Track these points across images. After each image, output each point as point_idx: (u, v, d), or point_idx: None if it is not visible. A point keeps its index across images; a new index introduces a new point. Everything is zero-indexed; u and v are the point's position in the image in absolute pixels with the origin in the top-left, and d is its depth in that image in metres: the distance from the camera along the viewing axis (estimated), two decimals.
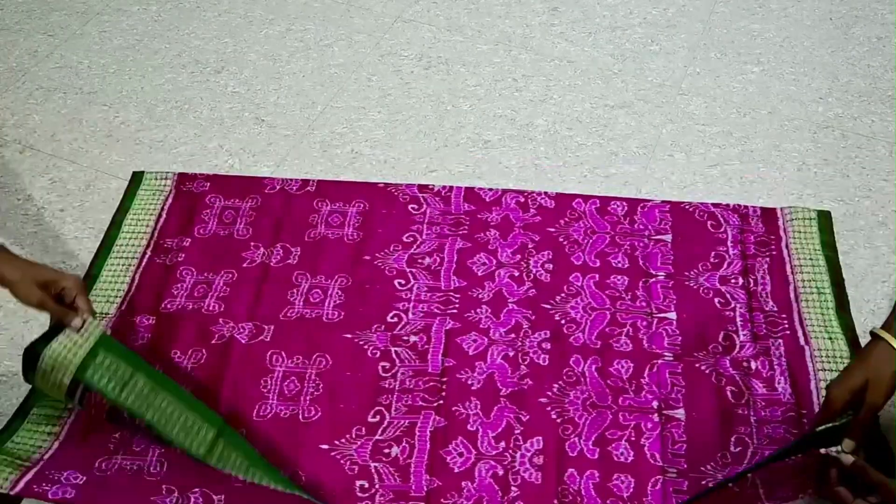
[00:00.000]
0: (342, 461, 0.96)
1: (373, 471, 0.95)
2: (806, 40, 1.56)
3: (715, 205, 1.21)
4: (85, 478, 0.92)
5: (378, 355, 1.06)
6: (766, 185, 1.30)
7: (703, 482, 0.93)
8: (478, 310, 1.11)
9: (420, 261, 1.17)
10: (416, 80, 1.50)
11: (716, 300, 1.11)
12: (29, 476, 0.92)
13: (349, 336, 1.08)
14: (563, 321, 1.09)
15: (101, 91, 1.47)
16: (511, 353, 1.06)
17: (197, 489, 0.92)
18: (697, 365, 1.04)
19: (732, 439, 0.97)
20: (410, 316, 1.11)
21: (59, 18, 1.62)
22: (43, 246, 1.23)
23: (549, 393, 1.02)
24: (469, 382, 1.03)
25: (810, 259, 1.15)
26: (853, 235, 1.23)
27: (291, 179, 1.26)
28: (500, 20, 1.62)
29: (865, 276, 1.18)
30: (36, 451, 0.96)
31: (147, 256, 1.16)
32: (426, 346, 1.07)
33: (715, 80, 1.49)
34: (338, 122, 1.43)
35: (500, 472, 0.95)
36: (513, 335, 1.08)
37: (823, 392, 0.97)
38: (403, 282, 1.14)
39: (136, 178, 1.25)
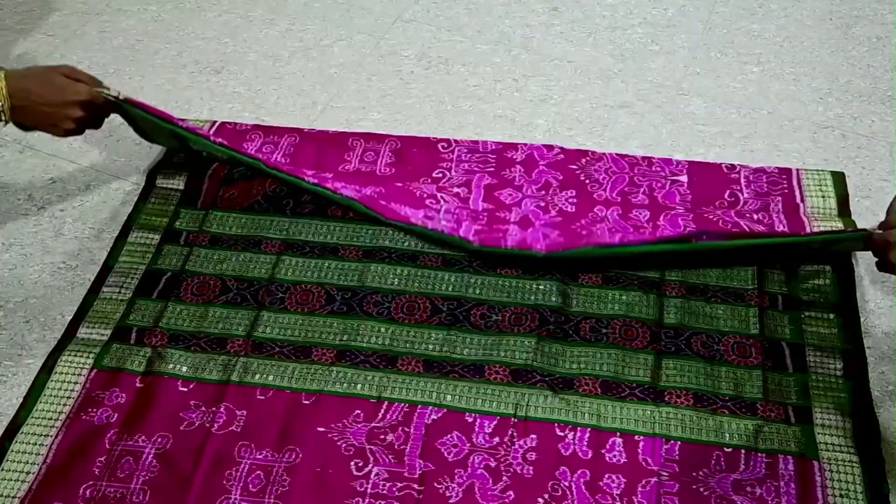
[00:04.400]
0: None
1: None
2: (806, 40, 1.56)
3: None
4: None
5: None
6: None
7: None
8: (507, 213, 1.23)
9: (449, 189, 1.27)
10: (416, 80, 1.50)
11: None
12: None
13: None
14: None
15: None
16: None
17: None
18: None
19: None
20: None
21: (59, 18, 1.62)
22: (43, 246, 1.23)
23: None
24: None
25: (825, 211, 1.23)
26: None
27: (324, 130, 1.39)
28: (500, 20, 1.62)
29: (865, 276, 1.18)
30: (18, 490, 0.94)
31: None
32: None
33: (715, 80, 1.49)
34: (338, 122, 1.42)
35: None
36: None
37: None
38: (434, 201, 1.23)
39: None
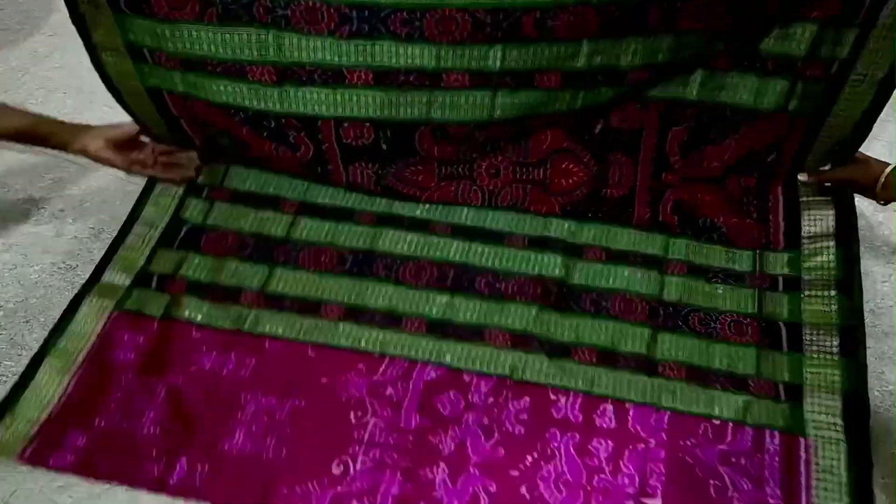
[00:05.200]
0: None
1: None
2: None
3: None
4: (85, 438, 1.00)
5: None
6: None
7: None
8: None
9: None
10: None
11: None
12: (35, 443, 0.99)
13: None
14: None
15: (101, 91, 1.46)
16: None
17: (184, 457, 0.98)
18: None
19: None
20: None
21: (59, 18, 1.62)
22: (43, 246, 1.23)
23: None
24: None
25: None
26: None
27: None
28: None
29: (865, 276, 1.18)
30: (42, 411, 1.02)
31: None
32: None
33: None
34: None
35: None
36: None
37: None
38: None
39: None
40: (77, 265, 1.21)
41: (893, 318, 1.13)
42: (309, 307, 1.12)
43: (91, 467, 0.98)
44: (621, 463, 0.97)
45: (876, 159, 1.09)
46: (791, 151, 1.13)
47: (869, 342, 1.10)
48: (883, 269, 1.19)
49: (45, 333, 1.12)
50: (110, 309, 1.11)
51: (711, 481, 0.95)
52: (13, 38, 1.58)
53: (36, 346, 1.10)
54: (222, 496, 0.96)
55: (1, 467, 0.98)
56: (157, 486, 0.97)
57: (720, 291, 1.12)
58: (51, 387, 1.04)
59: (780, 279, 1.13)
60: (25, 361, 1.08)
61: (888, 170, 1.05)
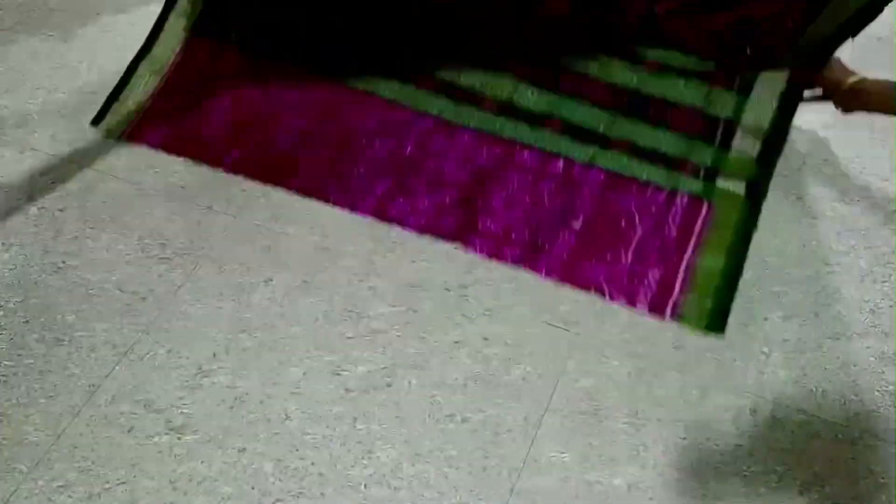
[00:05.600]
0: None
1: None
2: None
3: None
4: (170, 127, 1.36)
5: None
6: None
7: None
8: None
9: None
10: None
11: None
12: (134, 125, 1.36)
13: None
14: None
15: (101, 91, 1.47)
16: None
17: (251, 140, 1.36)
18: None
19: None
20: None
21: (59, 18, 1.62)
22: (43, 246, 1.23)
23: None
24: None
25: None
26: (853, 235, 1.23)
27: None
28: None
29: (865, 276, 1.18)
30: (142, 101, 1.38)
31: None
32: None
33: None
34: None
35: None
36: None
37: None
38: None
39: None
40: (77, 265, 1.21)
41: (893, 318, 1.13)
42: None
43: (179, 144, 1.33)
44: (558, 198, 1.26)
45: (846, 66, 1.21)
46: (787, 29, 1.26)
47: (869, 342, 1.10)
48: (883, 270, 1.19)
49: (45, 333, 1.12)
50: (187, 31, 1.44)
51: (623, 220, 1.24)
52: (13, 38, 1.58)
53: (36, 346, 1.10)
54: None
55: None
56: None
57: (682, 85, 1.35)
58: (147, 81, 1.40)
59: (737, 79, 1.32)
60: (26, 361, 1.09)
61: (854, 78, 1.18)
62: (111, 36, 1.59)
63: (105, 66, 1.52)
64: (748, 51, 1.32)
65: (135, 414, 1.04)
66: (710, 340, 1.11)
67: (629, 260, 1.19)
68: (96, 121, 1.39)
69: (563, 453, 1.00)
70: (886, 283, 1.17)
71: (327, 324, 1.13)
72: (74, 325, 1.13)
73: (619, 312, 1.14)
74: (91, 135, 1.38)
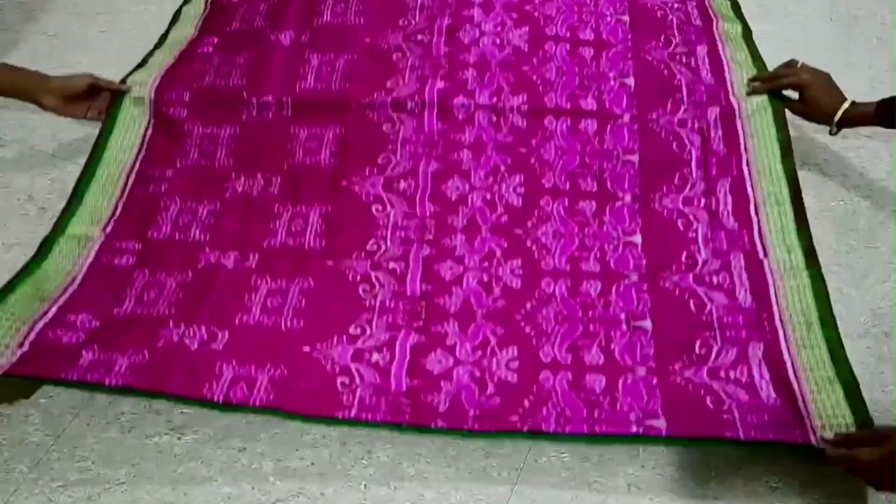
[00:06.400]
0: (324, 361, 1.01)
1: (353, 370, 1.00)
2: (806, 40, 1.56)
3: (680, 124, 1.27)
4: (98, 322, 1.03)
5: (359, 279, 1.11)
6: None
7: (672, 378, 1.00)
8: (453, 237, 1.15)
9: (396, 185, 1.20)
10: None
11: (679, 222, 1.17)
12: (46, 318, 1.03)
13: (331, 263, 1.12)
14: (533, 247, 1.15)
15: None
16: (485, 279, 1.11)
17: (203, 325, 1.03)
18: (662, 283, 1.09)
19: (697, 342, 1.03)
20: (389, 244, 1.15)
21: (59, 18, 1.62)
22: None
23: (523, 310, 1.08)
24: (447, 306, 1.08)
25: (769, 172, 1.20)
26: (853, 235, 1.23)
27: (267, 101, 1.29)
28: None
29: (866, 276, 1.18)
30: (54, 290, 1.07)
31: (130, 186, 1.22)
32: (405, 272, 1.12)
33: None
34: None
35: (478, 374, 1.01)
36: (486, 263, 1.12)
37: (783, 298, 1.07)
38: (381, 207, 1.19)
39: (115, 103, 1.31)
40: None
41: (893, 318, 1.13)
42: None
43: (113, 336, 1.02)
44: (610, 298, 1.09)
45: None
46: None
47: (869, 342, 1.10)
48: (882, 270, 1.19)
49: None
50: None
51: (692, 300, 1.07)
52: (13, 38, 1.58)
53: None
54: (243, 359, 1.00)
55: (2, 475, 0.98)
56: (178, 349, 1.01)
57: None
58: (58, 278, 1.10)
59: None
60: None
61: (845, 105, 1.21)
62: (111, 36, 1.59)
63: (105, 66, 1.52)
64: None
65: (135, 414, 1.04)
66: None
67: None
68: None
69: (562, 454, 1.00)
70: (886, 283, 1.17)
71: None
72: None
73: None
74: (92, 134, 1.38)
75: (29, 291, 1.06)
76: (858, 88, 1.45)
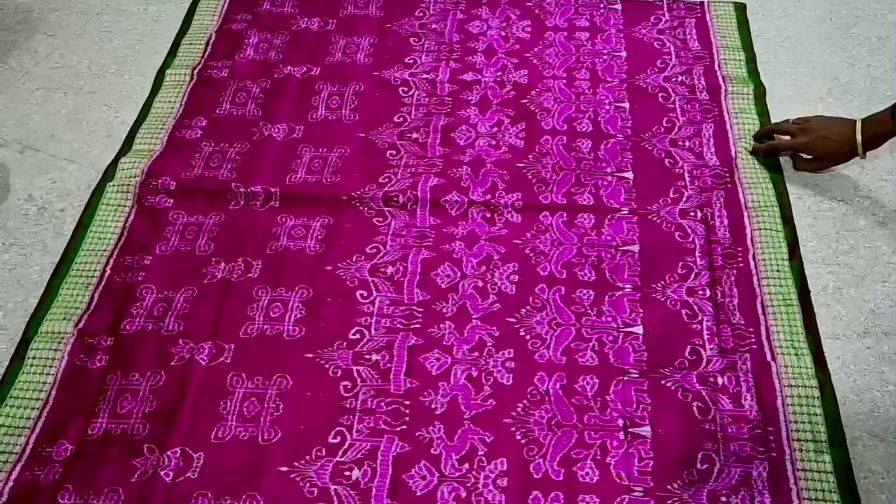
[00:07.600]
0: (301, 483, 0.96)
1: (332, 493, 0.95)
2: (806, 40, 1.56)
3: (682, 214, 1.23)
4: (73, 447, 0.98)
5: (339, 374, 1.05)
6: None
7: (669, 502, 0.94)
8: (441, 325, 1.10)
9: (382, 270, 1.16)
10: None
11: (683, 312, 1.11)
12: (25, 456, 0.97)
13: (310, 356, 1.07)
14: (527, 336, 1.09)
15: (101, 91, 1.47)
16: (474, 374, 1.05)
17: (178, 448, 0.98)
18: (664, 382, 1.04)
19: (699, 456, 0.97)
20: (373, 332, 1.09)
21: (59, 18, 1.62)
22: (43, 246, 1.23)
23: (514, 413, 1.01)
24: (432, 406, 1.02)
25: (777, 270, 1.15)
26: (853, 235, 1.23)
27: (256, 191, 1.25)
28: None
29: (865, 276, 1.18)
30: (27, 423, 1.01)
31: (107, 275, 1.16)
32: (388, 365, 1.06)
33: None
34: None
35: (463, 495, 0.95)
36: (476, 353, 1.07)
37: (790, 408, 1.00)
38: (366, 293, 1.14)
39: (98, 191, 1.27)
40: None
41: (893, 318, 1.13)
42: None
43: (89, 467, 0.97)
44: (608, 398, 1.03)
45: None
46: None
47: (869, 342, 1.10)
48: (882, 270, 1.19)
49: None
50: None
51: (695, 403, 1.02)
52: (13, 38, 1.58)
53: None
54: (219, 492, 0.94)
55: None
56: (153, 483, 0.95)
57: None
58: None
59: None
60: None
61: (858, 127, 1.20)
62: (111, 36, 1.59)
63: (105, 65, 1.52)
64: None
65: None
66: None
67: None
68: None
69: None
70: (886, 283, 1.17)
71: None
72: None
73: None
74: (92, 134, 1.38)
75: (6, 424, 1.01)
76: (858, 88, 1.46)
